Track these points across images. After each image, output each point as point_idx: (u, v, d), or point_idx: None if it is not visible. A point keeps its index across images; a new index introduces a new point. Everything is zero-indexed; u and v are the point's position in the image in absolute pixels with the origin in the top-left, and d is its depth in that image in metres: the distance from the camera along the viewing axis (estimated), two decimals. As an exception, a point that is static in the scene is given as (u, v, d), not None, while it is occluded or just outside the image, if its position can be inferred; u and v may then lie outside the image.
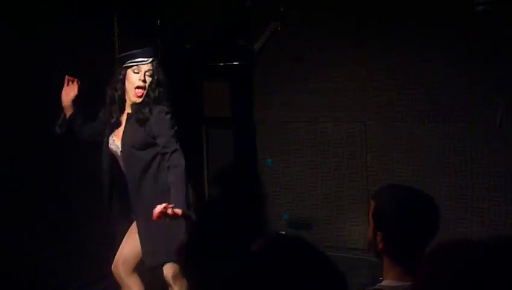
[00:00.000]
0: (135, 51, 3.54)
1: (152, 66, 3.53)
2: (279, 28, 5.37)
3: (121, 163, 3.61)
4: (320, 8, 5.21)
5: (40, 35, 4.33)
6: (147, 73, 3.50)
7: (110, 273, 3.72)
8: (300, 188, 5.45)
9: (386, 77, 5.07)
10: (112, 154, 3.61)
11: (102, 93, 4.82)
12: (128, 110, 3.59)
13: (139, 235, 3.54)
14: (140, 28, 5.10)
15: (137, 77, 3.49)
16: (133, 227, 3.65)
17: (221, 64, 5.51)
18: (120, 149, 3.56)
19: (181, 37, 5.47)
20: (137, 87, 3.49)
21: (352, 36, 5.07)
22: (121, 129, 3.59)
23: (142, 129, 3.49)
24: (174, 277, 3.57)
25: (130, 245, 3.63)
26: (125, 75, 3.51)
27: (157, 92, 3.51)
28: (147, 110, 3.47)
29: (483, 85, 4.71)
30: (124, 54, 3.62)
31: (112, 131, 3.61)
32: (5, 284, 4.03)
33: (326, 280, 1.18)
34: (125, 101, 3.58)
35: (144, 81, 3.49)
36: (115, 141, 3.58)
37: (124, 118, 3.60)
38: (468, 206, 4.86)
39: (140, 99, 3.50)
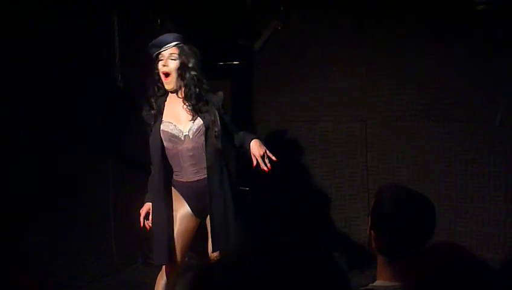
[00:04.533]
0: (155, 40, 3.55)
1: (177, 49, 3.50)
2: (279, 27, 5.37)
3: (175, 146, 3.53)
4: (321, 7, 5.21)
5: (40, 35, 4.33)
6: (170, 57, 3.50)
7: (110, 272, 3.71)
8: (301, 187, 5.45)
9: (386, 77, 5.07)
10: (160, 140, 3.54)
11: (103, 93, 4.84)
12: (174, 98, 3.56)
13: (214, 219, 3.60)
14: (140, 28, 5.11)
15: (161, 63, 3.51)
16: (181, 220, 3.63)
17: (221, 63, 5.50)
18: (185, 133, 3.52)
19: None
20: (162, 73, 3.52)
21: (352, 35, 5.07)
22: (177, 115, 3.54)
23: (207, 118, 3.53)
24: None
25: (186, 243, 3.67)
26: (157, 65, 3.53)
27: (187, 75, 3.50)
28: (199, 102, 3.52)
29: (483, 85, 4.71)
30: (149, 45, 3.59)
31: (157, 118, 3.54)
32: (4, 284, 4.03)
33: (329, 279, 1.14)
34: (165, 89, 3.57)
35: (166, 65, 3.49)
36: (178, 126, 3.53)
37: (173, 105, 3.57)
38: (468, 206, 4.85)
39: (169, 84, 3.51)
